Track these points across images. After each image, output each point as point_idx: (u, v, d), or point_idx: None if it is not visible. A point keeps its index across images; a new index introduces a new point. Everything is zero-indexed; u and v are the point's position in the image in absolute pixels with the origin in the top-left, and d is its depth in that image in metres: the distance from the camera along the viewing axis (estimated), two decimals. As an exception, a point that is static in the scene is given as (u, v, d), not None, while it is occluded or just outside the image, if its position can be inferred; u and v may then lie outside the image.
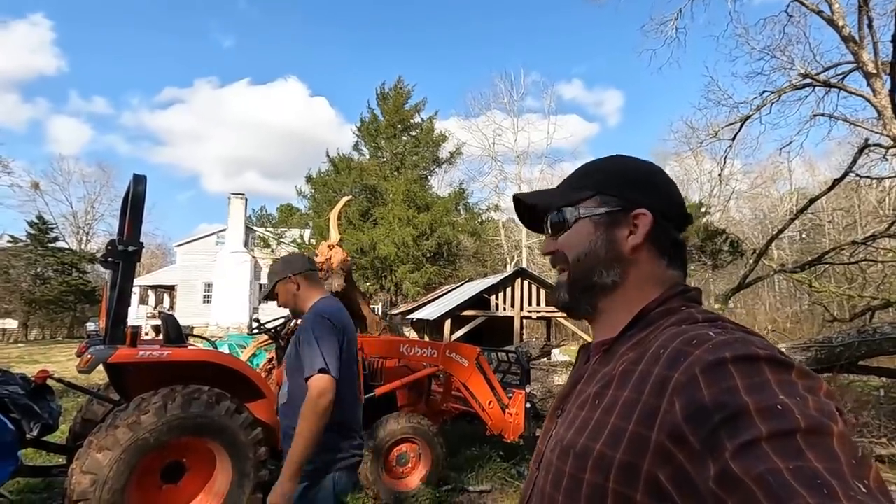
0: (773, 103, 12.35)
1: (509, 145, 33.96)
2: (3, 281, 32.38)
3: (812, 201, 11.11)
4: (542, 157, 34.71)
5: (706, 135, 16.32)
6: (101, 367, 3.15)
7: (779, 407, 0.47)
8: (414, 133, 25.18)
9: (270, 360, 6.05)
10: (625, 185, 0.74)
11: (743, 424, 0.47)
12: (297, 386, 1.98)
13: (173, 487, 3.08)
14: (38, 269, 33.87)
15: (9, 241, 32.90)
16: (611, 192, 0.74)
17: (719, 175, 18.06)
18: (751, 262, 12.11)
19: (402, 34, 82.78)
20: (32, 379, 3.27)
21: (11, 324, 30.77)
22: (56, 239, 35.56)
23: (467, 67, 78.88)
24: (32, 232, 33.77)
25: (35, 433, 2.93)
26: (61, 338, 32.31)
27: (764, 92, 12.51)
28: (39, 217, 34.83)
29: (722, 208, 25.51)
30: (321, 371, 1.84)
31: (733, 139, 15.86)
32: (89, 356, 3.04)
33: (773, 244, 20.10)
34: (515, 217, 0.90)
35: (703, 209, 20.29)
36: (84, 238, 41.35)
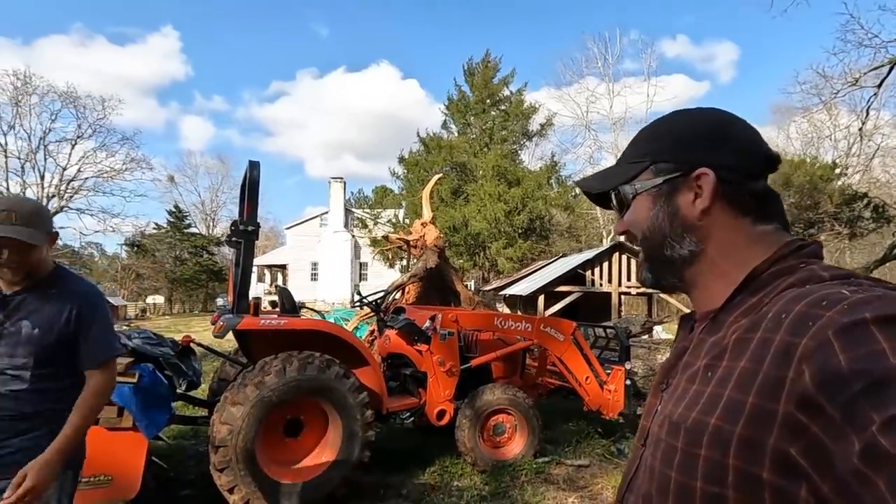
0: (935, 37, 10.28)
1: (604, 112, 32.10)
2: (151, 262, 37.87)
3: None
4: (641, 122, 32.34)
5: (843, 83, 14.09)
6: (231, 335, 3.59)
7: None
8: (503, 107, 24.70)
9: (372, 332, 6.45)
10: (680, 146, 0.68)
11: (893, 393, 0.41)
12: (49, 365, 1.64)
13: (294, 441, 3.43)
14: (177, 252, 39.08)
15: (154, 229, 38.22)
16: (665, 159, 0.69)
17: (860, 129, 15.58)
18: (901, 229, 10.36)
19: (490, 6, 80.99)
20: (179, 343, 3.80)
21: (159, 299, 36.01)
22: (189, 225, 40.67)
23: (559, 35, 75.29)
24: (171, 220, 38.93)
25: (183, 388, 3.42)
26: (197, 311, 37.13)
27: (924, 24, 10.44)
28: (175, 206, 40.02)
29: (863, 169, 21.90)
30: (117, 355, 1.76)
31: (879, 86, 13.53)
32: (221, 323, 3.46)
33: (932, 208, 16.93)
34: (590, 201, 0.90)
35: (837, 170, 17.64)
36: (211, 224, 46.74)
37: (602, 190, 0.77)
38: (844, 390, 0.43)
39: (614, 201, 0.76)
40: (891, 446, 0.39)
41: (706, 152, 0.66)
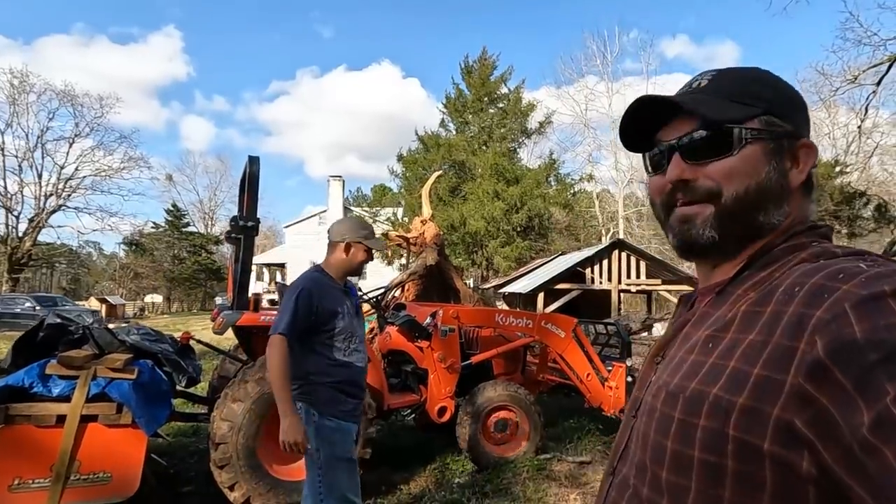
0: (935, 34, 10.29)
1: (603, 111, 32.12)
2: (150, 261, 37.82)
3: None
4: (639, 121, 32.27)
5: (842, 81, 14.11)
6: (230, 332, 3.56)
7: None
8: (501, 105, 24.64)
9: (372, 329, 6.42)
10: (791, 105, 0.64)
11: None
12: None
13: (295, 438, 3.40)
14: (175, 251, 39.03)
15: (152, 227, 38.13)
16: (778, 113, 0.62)
17: (859, 127, 15.64)
18: (900, 226, 10.37)
19: (491, 4, 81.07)
20: (178, 340, 3.78)
21: (158, 298, 35.98)
22: (188, 224, 40.61)
23: (561, 34, 75.52)
24: (169, 219, 38.87)
25: (182, 384, 3.39)
26: (196, 310, 37.07)
27: (923, 22, 10.48)
28: (174, 205, 39.96)
29: (862, 167, 21.94)
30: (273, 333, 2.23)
31: (878, 84, 13.56)
32: (221, 319, 3.43)
33: (931, 205, 16.97)
34: (618, 140, 0.76)
35: (836, 168, 17.66)
36: (209, 222, 46.64)
37: (710, 117, 0.61)
38: (858, 360, 0.42)
39: (700, 138, 0.61)
40: None
41: (804, 124, 0.64)
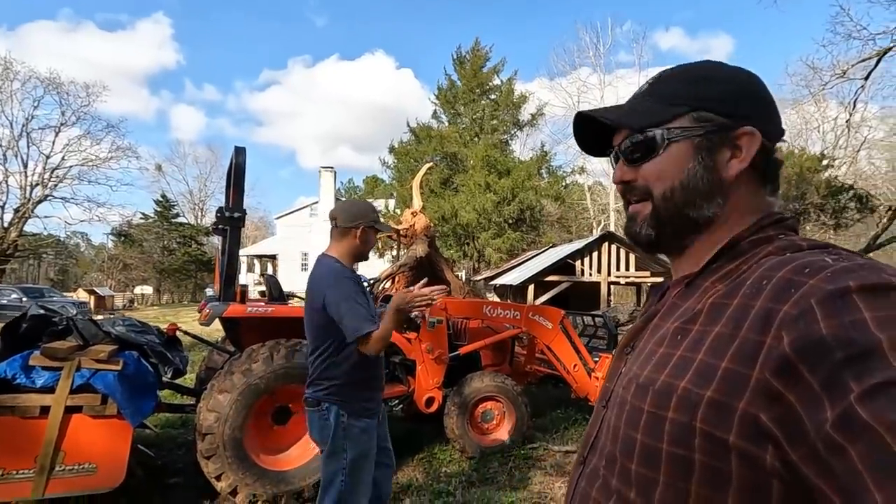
0: (922, 30, 10.37)
1: (595, 103, 32.08)
2: (139, 253, 37.43)
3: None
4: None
5: (831, 75, 14.20)
6: (218, 323, 3.55)
7: None
8: (493, 96, 24.56)
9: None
10: (727, 97, 0.63)
11: (874, 364, 0.40)
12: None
13: (282, 428, 3.42)
14: (165, 242, 38.63)
15: (141, 218, 37.67)
16: (709, 108, 0.62)
17: (847, 122, 15.76)
18: (884, 220, 10.54)
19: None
20: (165, 332, 3.76)
21: (147, 289, 35.62)
22: (177, 215, 40.16)
23: (557, 26, 75.20)
24: (158, 209, 38.42)
25: (168, 376, 3.39)
26: (186, 302, 36.79)
27: (911, 17, 10.54)
28: (163, 196, 39.51)
29: (849, 161, 22.15)
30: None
31: (866, 78, 13.66)
32: (208, 311, 3.42)
33: (916, 199, 17.22)
34: (577, 147, 0.79)
35: (824, 162, 17.82)
36: (199, 213, 46.18)
37: (630, 126, 0.66)
38: (825, 358, 0.42)
39: (630, 143, 0.66)
40: (868, 416, 0.38)
41: (751, 112, 0.63)
